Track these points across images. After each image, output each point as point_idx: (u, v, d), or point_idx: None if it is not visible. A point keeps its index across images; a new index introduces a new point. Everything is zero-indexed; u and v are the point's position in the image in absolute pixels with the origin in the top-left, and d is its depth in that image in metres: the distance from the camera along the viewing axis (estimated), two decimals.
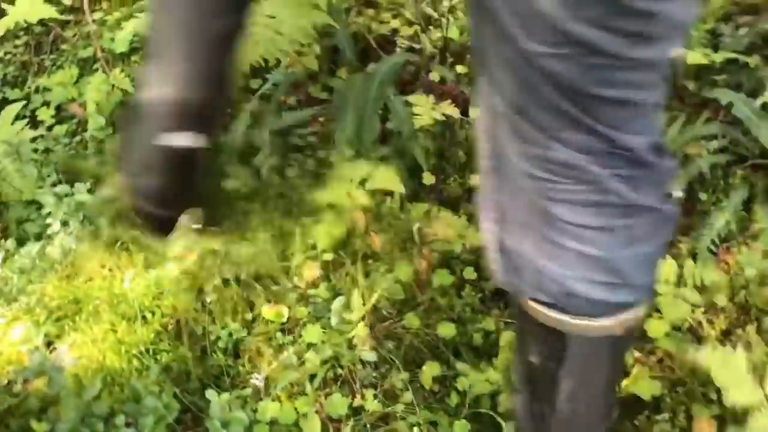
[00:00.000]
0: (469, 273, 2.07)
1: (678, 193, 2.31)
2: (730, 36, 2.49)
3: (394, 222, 2.18)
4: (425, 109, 2.23)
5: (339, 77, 2.69)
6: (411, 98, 2.33)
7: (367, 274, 1.97)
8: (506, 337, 1.84)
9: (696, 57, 2.34)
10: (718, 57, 2.32)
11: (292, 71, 2.65)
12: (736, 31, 2.48)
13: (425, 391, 1.73)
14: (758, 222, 2.08)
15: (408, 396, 1.69)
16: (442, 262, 2.10)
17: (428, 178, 2.41)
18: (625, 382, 1.88)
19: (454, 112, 2.25)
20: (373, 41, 2.77)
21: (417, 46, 2.71)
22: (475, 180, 2.44)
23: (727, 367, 1.43)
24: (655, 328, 1.90)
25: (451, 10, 2.82)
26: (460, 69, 2.62)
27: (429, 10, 2.77)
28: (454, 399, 1.73)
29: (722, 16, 2.64)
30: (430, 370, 1.74)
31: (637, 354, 1.91)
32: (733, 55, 2.35)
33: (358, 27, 2.80)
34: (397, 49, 2.75)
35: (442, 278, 2.04)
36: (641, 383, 1.85)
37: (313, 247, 2.01)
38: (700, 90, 2.41)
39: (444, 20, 2.73)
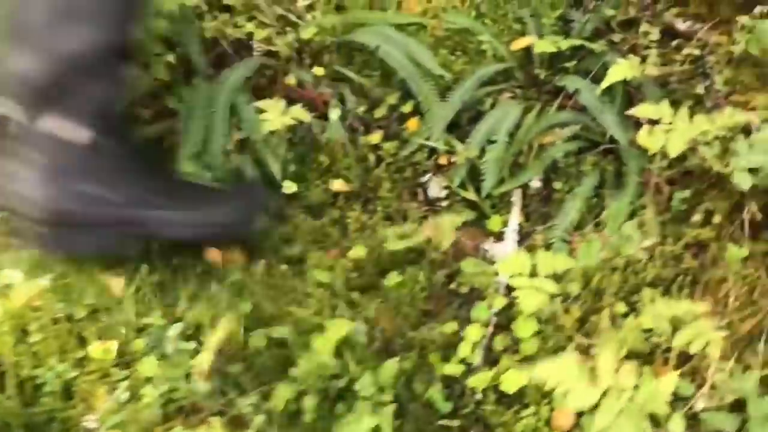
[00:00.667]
0: None
1: (536, 183, 2.37)
2: (578, 22, 2.53)
3: None
4: (275, 114, 2.17)
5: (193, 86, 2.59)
6: (260, 104, 2.26)
7: None
8: None
9: (545, 45, 2.37)
10: (565, 44, 2.36)
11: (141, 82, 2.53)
12: (583, 17, 2.54)
13: (277, 414, 1.69)
14: (608, 208, 2.13)
15: (259, 420, 1.64)
16: None
17: (289, 186, 2.36)
18: (491, 377, 1.90)
19: (305, 116, 2.20)
20: (229, 47, 2.68)
21: (274, 49, 2.63)
22: (337, 185, 2.40)
23: (562, 374, 1.45)
24: (523, 327, 1.93)
25: (308, 9, 2.76)
26: (317, 71, 2.57)
27: (284, 12, 2.70)
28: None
29: (573, 1, 2.69)
30: (282, 392, 1.69)
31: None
32: (580, 42, 2.39)
33: (212, 32, 2.69)
34: (254, 54, 2.67)
35: None
36: (508, 378, 1.87)
37: None
38: (552, 78, 2.44)
39: (300, 21, 2.67)
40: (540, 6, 2.56)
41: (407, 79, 2.46)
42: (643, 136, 2.00)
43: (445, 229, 2.20)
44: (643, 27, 2.38)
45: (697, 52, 2.35)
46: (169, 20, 2.52)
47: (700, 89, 2.28)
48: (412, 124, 2.54)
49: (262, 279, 2.08)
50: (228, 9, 2.78)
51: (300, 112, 2.20)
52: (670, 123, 1.97)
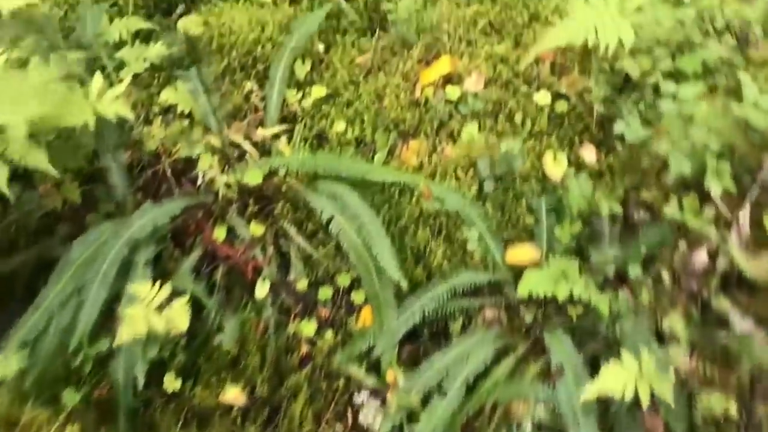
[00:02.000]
0: None
1: None
2: (598, 256, 1.87)
3: None
4: (141, 316, 1.60)
5: (100, 215, 2.08)
6: (135, 288, 1.70)
7: None
8: None
9: (547, 280, 1.73)
10: (577, 289, 1.70)
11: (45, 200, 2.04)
12: (606, 250, 1.87)
13: None
14: None
15: None
16: None
17: (171, 383, 1.79)
18: None
19: (182, 321, 1.62)
20: (170, 165, 2.15)
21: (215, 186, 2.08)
22: (232, 395, 1.82)
23: None
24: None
25: (272, 140, 2.19)
26: (255, 229, 1.99)
27: (240, 139, 2.14)
28: None
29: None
30: None
31: None
32: (586, 294, 1.72)
33: (155, 143, 2.17)
34: (198, 181, 2.12)
35: None
36: None
37: None
38: (540, 324, 1.78)
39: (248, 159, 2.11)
40: (562, 208, 1.89)
41: (359, 271, 1.86)
42: None
43: None
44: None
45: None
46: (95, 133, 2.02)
47: None
48: (365, 316, 1.94)
49: None
50: (183, 115, 2.26)
51: (178, 313, 1.62)
52: None
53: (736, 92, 1.69)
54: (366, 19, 2.56)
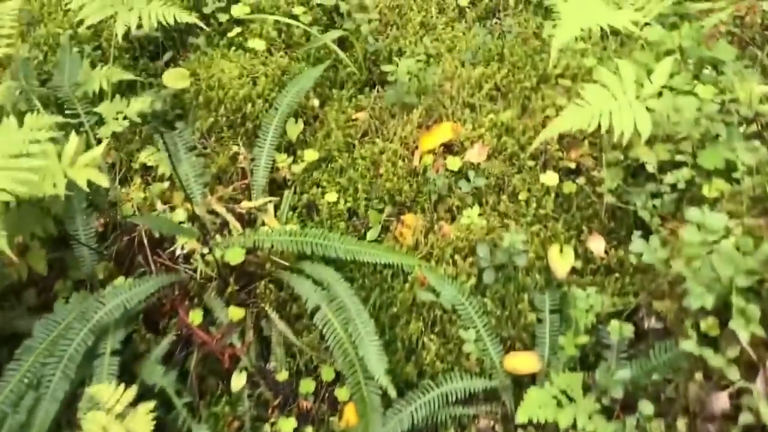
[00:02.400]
0: None
1: None
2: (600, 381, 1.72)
3: None
4: (99, 426, 1.45)
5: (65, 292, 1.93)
6: (94, 389, 1.54)
7: None
8: None
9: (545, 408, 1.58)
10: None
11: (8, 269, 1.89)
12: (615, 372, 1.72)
13: None
14: None
15: None
16: None
17: None
18: None
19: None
20: (146, 237, 2.00)
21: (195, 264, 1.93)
22: None
23: None
24: None
25: (257, 209, 2.04)
26: (234, 312, 1.84)
27: (221, 209, 1.99)
28: None
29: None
30: None
31: None
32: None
33: (133, 210, 2.03)
34: (177, 255, 1.97)
35: None
36: None
37: None
38: None
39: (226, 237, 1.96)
40: (567, 306, 1.74)
41: (344, 371, 1.71)
42: None
43: None
44: None
45: None
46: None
47: None
48: (349, 415, 1.79)
49: None
50: (170, 177, 2.11)
51: (141, 422, 1.47)
52: None
53: (763, 200, 1.55)
54: (365, 71, 2.41)
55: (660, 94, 1.75)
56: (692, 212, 1.38)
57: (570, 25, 1.75)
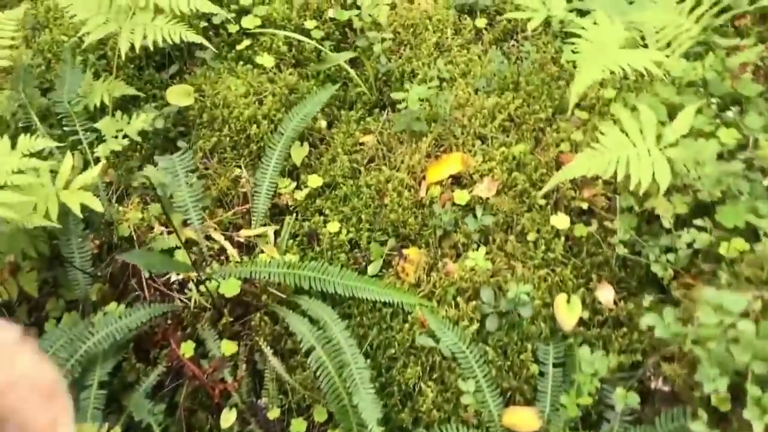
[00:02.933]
0: None
1: None
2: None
3: None
4: None
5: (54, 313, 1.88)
6: (77, 428, 1.50)
7: None
8: None
9: None
10: None
11: None
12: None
13: None
14: None
15: None
16: None
17: None
18: None
19: None
20: (144, 277, 1.94)
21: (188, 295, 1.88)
22: None
23: None
24: None
25: (256, 237, 1.98)
26: (227, 347, 1.79)
27: (220, 237, 1.93)
28: None
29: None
30: None
31: None
32: None
33: (129, 231, 1.97)
34: (172, 281, 1.92)
35: None
36: None
37: None
38: None
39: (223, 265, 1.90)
40: (572, 360, 1.68)
41: (338, 418, 1.65)
42: None
43: None
44: None
45: None
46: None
47: None
48: None
49: None
50: (171, 197, 2.05)
51: None
52: None
53: None
54: (375, 91, 2.34)
55: (679, 143, 1.67)
56: (709, 293, 1.30)
57: (589, 71, 1.66)
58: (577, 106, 2.18)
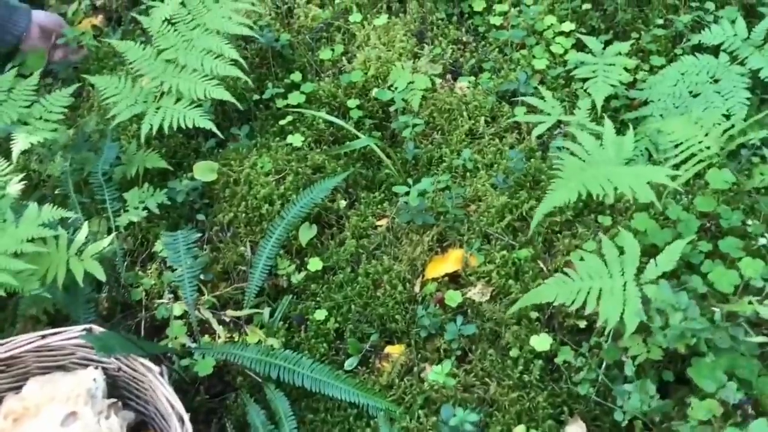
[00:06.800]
0: None
1: None
2: None
3: None
4: None
5: None
6: None
7: None
8: None
9: None
10: None
11: None
12: None
13: None
14: None
15: None
16: None
17: None
18: None
19: None
20: (145, 334, 2.05)
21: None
22: None
23: None
24: None
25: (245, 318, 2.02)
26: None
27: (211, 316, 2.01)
28: None
29: None
30: None
31: None
32: None
33: (140, 296, 2.11)
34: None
35: None
36: None
37: None
38: None
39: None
40: None
41: None
42: None
43: None
44: None
45: None
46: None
47: None
48: None
49: None
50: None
51: None
52: None
53: None
54: (404, 174, 2.32)
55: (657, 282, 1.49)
56: None
57: (562, 192, 1.55)
58: (600, 205, 2.03)
